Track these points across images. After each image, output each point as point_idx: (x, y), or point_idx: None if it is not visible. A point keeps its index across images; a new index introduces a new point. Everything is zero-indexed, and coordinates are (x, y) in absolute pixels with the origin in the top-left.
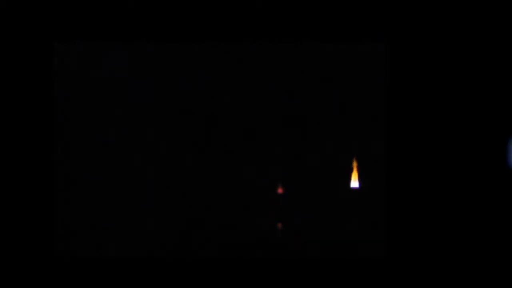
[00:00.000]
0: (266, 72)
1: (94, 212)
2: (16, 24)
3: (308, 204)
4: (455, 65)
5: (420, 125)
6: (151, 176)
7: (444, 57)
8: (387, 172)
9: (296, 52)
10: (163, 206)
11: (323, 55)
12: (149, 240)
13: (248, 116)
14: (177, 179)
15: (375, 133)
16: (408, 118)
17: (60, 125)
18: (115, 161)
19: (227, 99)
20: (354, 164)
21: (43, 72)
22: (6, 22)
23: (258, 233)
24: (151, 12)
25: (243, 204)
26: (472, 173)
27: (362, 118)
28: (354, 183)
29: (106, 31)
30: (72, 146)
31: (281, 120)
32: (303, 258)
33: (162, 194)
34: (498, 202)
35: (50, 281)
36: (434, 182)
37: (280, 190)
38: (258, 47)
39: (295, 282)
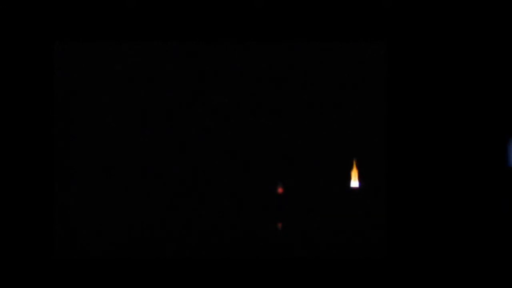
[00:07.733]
0: (266, 72)
1: (94, 213)
2: (16, 24)
3: (308, 204)
4: (456, 65)
5: (420, 125)
6: (151, 176)
7: (445, 56)
8: (387, 172)
9: (296, 52)
10: (163, 206)
11: (323, 55)
12: (149, 241)
13: (248, 116)
14: (177, 179)
15: (375, 132)
16: (408, 118)
17: (60, 125)
18: (115, 161)
19: (227, 99)
20: (354, 164)
21: (43, 72)
22: (6, 22)
23: (258, 233)
24: (151, 12)
25: (243, 204)
26: (472, 173)
27: (362, 118)
28: (354, 183)
29: (106, 31)
30: (72, 146)
31: (281, 119)
32: (303, 258)
33: (162, 195)
34: (498, 202)
35: (50, 282)
36: (434, 182)
37: (280, 190)
38: (258, 47)
39: (295, 282)
